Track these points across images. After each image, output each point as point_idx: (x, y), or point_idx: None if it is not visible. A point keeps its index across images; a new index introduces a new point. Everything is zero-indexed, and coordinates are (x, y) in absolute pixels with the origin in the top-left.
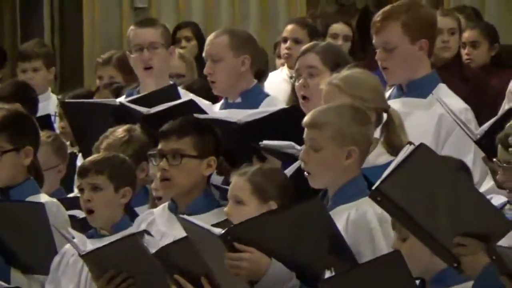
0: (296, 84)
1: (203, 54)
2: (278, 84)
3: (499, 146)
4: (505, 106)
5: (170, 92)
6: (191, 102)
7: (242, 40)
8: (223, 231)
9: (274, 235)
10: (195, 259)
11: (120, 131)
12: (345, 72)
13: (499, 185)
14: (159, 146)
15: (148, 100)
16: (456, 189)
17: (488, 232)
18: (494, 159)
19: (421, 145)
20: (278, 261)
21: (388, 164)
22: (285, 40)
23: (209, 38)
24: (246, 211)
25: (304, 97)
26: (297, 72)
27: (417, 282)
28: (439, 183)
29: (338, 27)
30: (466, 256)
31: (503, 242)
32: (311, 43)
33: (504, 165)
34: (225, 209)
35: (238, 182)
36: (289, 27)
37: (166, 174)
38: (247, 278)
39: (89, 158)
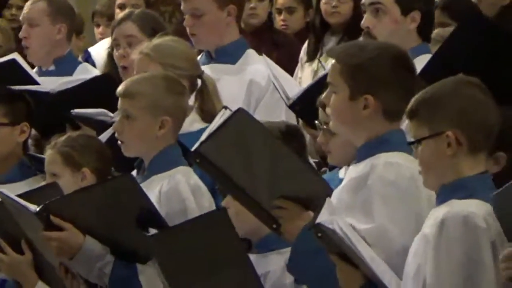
0: (115, 53)
1: (20, 18)
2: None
3: (320, 108)
4: (297, 72)
5: None
6: (13, 61)
7: (60, 8)
8: (38, 208)
9: (89, 211)
10: (15, 223)
11: None
12: (156, 41)
13: (318, 149)
14: None
15: None
16: (274, 153)
17: (308, 196)
18: (316, 121)
19: (240, 110)
20: (93, 237)
21: (202, 130)
22: None
23: (27, 3)
24: (62, 182)
25: (124, 67)
26: (115, 42)
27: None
28: (257, 147)
29: None
30: (286, 220)
31: (324, 217)
32: (127, 11)
33: (324, 127)
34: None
35: (50, 155)
36: None
37: None
38: (60, 255)
39: None
